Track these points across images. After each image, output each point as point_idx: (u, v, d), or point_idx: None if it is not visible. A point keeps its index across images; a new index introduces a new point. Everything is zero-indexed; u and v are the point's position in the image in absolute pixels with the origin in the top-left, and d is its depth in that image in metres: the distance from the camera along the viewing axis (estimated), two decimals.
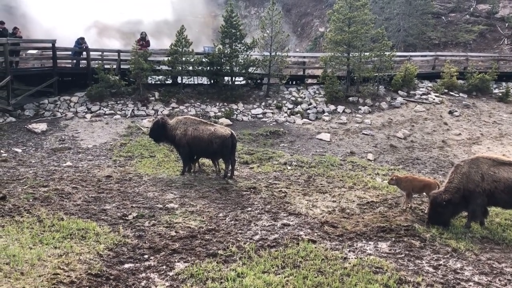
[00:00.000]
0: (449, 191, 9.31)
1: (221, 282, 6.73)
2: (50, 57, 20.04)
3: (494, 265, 7.95)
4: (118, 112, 18.70)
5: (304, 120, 19.60)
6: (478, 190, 9.15)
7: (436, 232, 9.18)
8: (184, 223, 9.10)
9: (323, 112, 20.39)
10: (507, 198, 9.12)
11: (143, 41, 21.70)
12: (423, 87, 23.58)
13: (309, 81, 23.99)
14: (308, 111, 20.39)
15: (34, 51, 22.02)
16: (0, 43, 17.70)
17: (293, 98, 21.39)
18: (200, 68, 20.75)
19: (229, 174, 12.54)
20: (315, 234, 8.82)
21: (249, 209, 10.12)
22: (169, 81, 21.45)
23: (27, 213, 9.10)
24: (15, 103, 18.22)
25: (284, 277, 6.98)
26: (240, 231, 8.80)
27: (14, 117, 17.66)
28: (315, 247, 8.10)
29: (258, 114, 19.93)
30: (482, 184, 9.13)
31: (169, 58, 20.34)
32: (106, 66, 20.75)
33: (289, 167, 14.03)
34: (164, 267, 7.25)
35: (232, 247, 7.97)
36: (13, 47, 18.88)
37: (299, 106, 20.69)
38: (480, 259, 8.15)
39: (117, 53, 21.42)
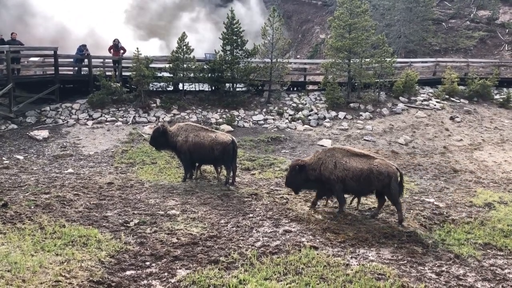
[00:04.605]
0: (307, 164, 10.38)
1: None
2: (52, 64, 20.13)
3: (497, 271, 7.92)
4: (120, 119, 18.74)
5: (305, 126, 19.62)
6: (333, 178, 10.08)
7: (438, 239, 9.16)
8: (185, 229, 9.09)
9: (324, 118, 20.41)
10: (355, 185, 10.04)
11: (115, 48, 21.57)
12: (424, 93, 23.59)
13: (310, 87, 24.01)
14: (309, 117, 20.41)
15: (36, 59, 22.10)
16: (1, 51, 17.82)
17: (294, 105, 21.42)
18: (201, 74, 20.80)
19: (230, 181, 12.52)
20: (317, 240, 8.81)
21: (251, 215, 10.10)
22: (171, 88, 21.50)
23: (28, 220, 9.10)
24: (17, 110, 18.28)
25: (286, 284, 6.96)
26: (242, 238, 8.78)
27: (16, 124, 17.70)
28: (317, 254, 8.08)
29: (260, 120, 19.96)
30: (335, 171, 10.05)
31: (171, 65, 20.42)
32: (107, 73, 20.83)
33: None
34: (165, 274, 7.24)
35: (234, 253, 7.96)
36: (15, 54, 18.96)
37: (300, 113, 20.71)
38: (483, 265, 8.13)
39: (118, 60, 21.49)
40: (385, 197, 10.19)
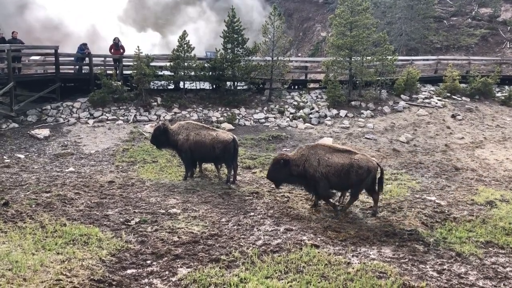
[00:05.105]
0: (291, 159, 10.36)
1: None
2: (53, 63, 20.12)
3: (498, 270, 7.90)
4: (121, 118, 18.73)
5: (307, 124, 19.59)
6: (317, 175, 10.06)
7: (440, 237, 9.14)
8: (186, 228, 9.09)
9: (326, 116, 20.38)
10: (337, 180, 10.08)
11: (116, 47, 21.40)
12: (425, 91, 23.55)
13: (311, 85, 23.95)
14: (311, 115, 20.38)
15: (37, 57, 22.10)
16: (2, 49, 17.81)
17: (295, 103, 21.39)
18: (202, 73, 20.78)
19: (231, 179, 12.51)
20: (318, 239, 8.79)
21: (252, 214, 10.09)
22: (171, 86, 21.48)
23: (29, 218, 9.11)
24: (18, 109, 18.28)
25: (287, 282, 6.95)
26: (243, 236, 8.78)
27: (17, 123, 17.70)
28: (318, 252, 8.07)
29: (261, 118, 19.94)
30: (319, 168, 10.06)
31: (171, 63, 20.40)
32: (108, 72, 20.81)
33: None
34: (166, 272, 7.24)
35: (235, 252, 7.95)
36: (16, 53, 18.96)
37: (301, 111, 20.68)
38: (484, 264, 8.11)
39: (119, 59, 21.47)
40: (373, 191, 10.35)
